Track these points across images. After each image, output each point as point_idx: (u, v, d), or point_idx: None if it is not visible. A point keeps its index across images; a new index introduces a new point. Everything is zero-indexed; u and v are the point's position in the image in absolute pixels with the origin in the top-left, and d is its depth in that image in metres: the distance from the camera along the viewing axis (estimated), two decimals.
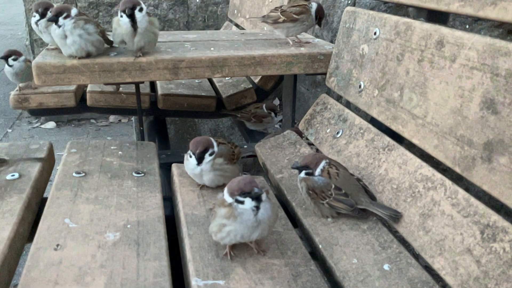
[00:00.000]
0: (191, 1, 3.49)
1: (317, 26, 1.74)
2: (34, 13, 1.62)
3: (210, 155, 1.21)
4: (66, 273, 0.90)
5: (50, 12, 1.54)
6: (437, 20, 1.18)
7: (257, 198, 0.92)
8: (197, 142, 1.21)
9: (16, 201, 1.12)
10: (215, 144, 1.23)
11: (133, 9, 1.37)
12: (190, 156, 1.22)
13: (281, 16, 1.63)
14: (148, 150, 1.49)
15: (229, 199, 0.93)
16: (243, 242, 0.97)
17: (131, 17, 1.37)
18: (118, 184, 1.26)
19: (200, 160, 1.20)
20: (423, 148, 1.07)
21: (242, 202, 0.92)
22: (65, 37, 1.37)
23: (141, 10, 1.38)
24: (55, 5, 1.54)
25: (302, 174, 1.16)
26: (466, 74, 0.97)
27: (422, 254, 0.96)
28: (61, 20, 1.37)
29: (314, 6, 1.63)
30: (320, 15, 1.65)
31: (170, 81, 2.32)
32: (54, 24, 1.38)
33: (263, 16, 1.70)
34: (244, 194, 0.92)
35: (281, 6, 1.68)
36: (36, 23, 1.62)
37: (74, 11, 1.38)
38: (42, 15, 1.60)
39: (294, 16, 1.61)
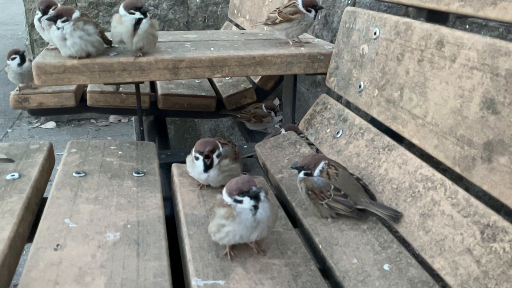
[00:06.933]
0: (191, 1, 3.49)
1: (317, 26, 1.73)
2: (37, 11, 1.64)
3: (217, 156, 1.21)
4: (66, 273, 0.90)
5: (53, 10, 1.55)
6: (437, 20, 1.18)
7: (255, 197, 0.92)
8: (205, 143, 1.20)
9: (16, 201, 1.11)
10: (220, 146, 1.22)
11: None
12: (196, 158, 1.21)
13: (278, 17, 1.63)
14: (148, 150, 1.49)
15: (228, 199, 0.94)
16: (243, 242, 0.97)
17: (141, 18, 1.40)
18: (118, 184, 1.26)
19: (207, 166, 1.20)
20: (423, 148, 1.07)
21: (240, 202, 0.92)
22: (64, 39, 1.38)
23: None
24: (59, 5, 1.55)
25: (301, 175, 1.16)
26: (466, 74, 0.97)
27: (422, 254, 0.96)
28: (59, 23, 1.37)
29: (299, 1, 1.61)
30: (307, 4, 1.59)
31: (170, 81, 2.32)
32: (53, 24, 1.38)
33: (266, 20, 1.70)
34: (243, 193, 0.92)
35: (279, 8, 1.68)
36: (39, 19, 1.63)
37: (76, 14, 1.39)
38: (44, 13, 1.61)
39: (290, 16, 1.61)
